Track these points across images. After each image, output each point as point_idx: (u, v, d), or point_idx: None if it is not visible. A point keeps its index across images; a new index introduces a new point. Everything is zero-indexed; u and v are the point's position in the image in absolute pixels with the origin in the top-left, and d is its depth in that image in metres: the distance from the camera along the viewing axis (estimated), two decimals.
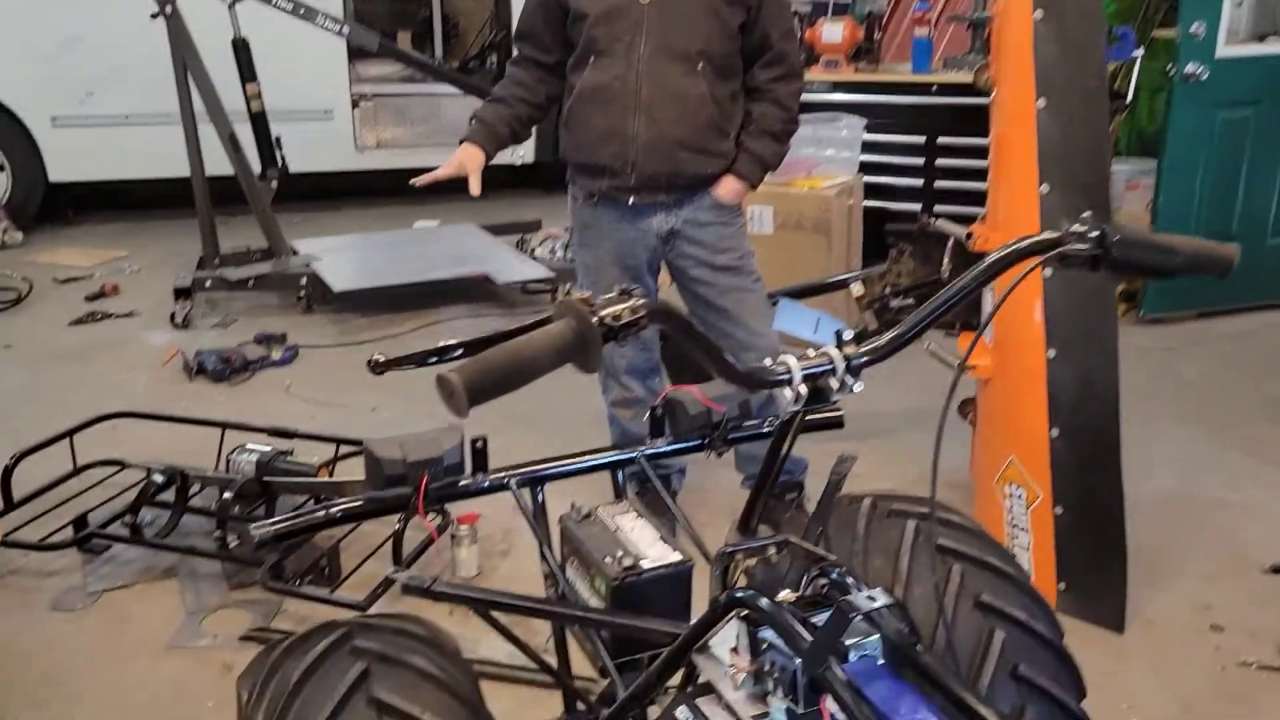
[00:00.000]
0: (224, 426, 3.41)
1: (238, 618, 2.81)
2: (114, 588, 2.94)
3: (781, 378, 1.10)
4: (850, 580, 1.24)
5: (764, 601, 1.14)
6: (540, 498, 1.83)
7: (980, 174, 4.69)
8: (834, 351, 1.14)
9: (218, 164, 5.23)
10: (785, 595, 1.28)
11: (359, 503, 1.70)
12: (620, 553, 1.63)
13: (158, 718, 2.47)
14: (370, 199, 7.55)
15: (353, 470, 3.42)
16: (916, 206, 4.93)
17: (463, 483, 1.74)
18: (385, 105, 7.39)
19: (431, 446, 1.71)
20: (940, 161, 4.84)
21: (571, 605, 1.53)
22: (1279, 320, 4.90)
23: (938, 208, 4.89)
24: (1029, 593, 1.69)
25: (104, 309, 5.27)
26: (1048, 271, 2.64)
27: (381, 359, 2.26)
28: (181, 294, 5.08)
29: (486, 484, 1.76)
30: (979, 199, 4.68)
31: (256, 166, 5.33)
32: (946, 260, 2.98)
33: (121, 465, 3.33)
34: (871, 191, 4.90)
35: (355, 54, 6.88)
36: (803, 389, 1.09)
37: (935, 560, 1.70)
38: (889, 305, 3.20)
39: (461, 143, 2.82)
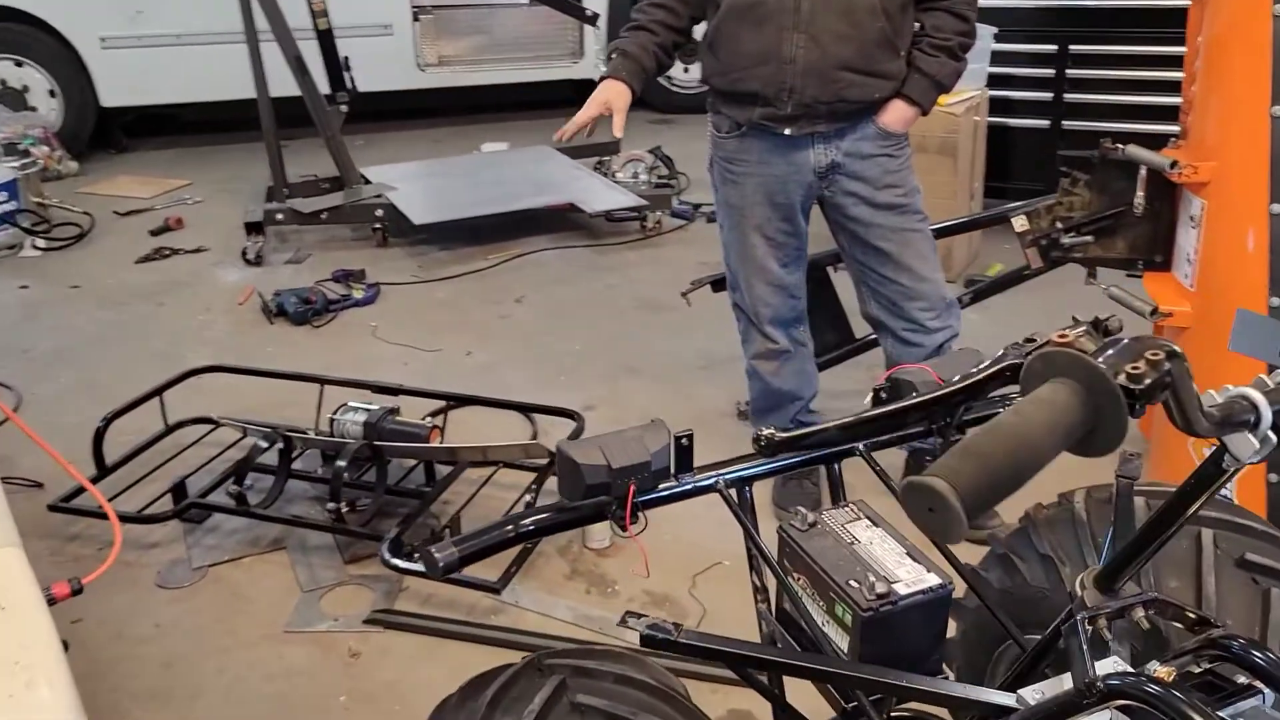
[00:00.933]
0: (323, 382, 3.16)
1: (358, 597, 2.60)
2: (221, 561, 2.73)
3: (1243, 417, 0.78)
4: (1263, 656, 0.96)
5: (1189, 708, 0.86)
6: (750, 497, 1.57)
7: (1120, 85, 4.35)
8: None
9: (278, 86, 4.89)
10: (1162, 671, 1.00)
11: (557, 515, 1.43)
12: (867, 574, 1.36)
13: (284, 714, 2.26)
14: (433, 119, 7.20)
15: (462, 427, 3.18)
16: (1044, 123, 4.52)
17: (667, 487, 1.46)
18: (447, 18, 6.96)
19: (636, 449, 1.43)
20: (1071, 72, 4.41)
21: (861, 668, 1.24)
22: None
23: (1065, 123, 4.50)
24: None
25: (170, 244, 5.00)
26: (1276, 206, 2.29)
27: None
28: (253, 229, 4.81)
29: (691, 486, 1.49)
30: (1117, 113, 4.35)
31: (323, 88, 5.00)
32: (1140, 193, 2.63)
33: (215, 424, 3.10)
34: (993, 107, 4.50)
35: None
36: (1271, 435, 0.78)
37: (1243, 579, 1.41)
38: (1059, 242, 2.86)
39: (603, 80, 2.48)
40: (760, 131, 2.48)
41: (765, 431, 1.43)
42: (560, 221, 5.16)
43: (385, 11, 6.55)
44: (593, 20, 5.70)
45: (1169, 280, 2.67)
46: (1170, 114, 4.06)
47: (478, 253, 4.87)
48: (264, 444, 2.78)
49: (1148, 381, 0.71)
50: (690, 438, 1.46)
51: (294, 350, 3.95)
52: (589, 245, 4.97)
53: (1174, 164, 2.46)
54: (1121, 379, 0.70)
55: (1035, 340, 0.83)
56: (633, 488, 1.41)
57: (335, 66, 4.96)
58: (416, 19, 6.75)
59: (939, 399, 1.32)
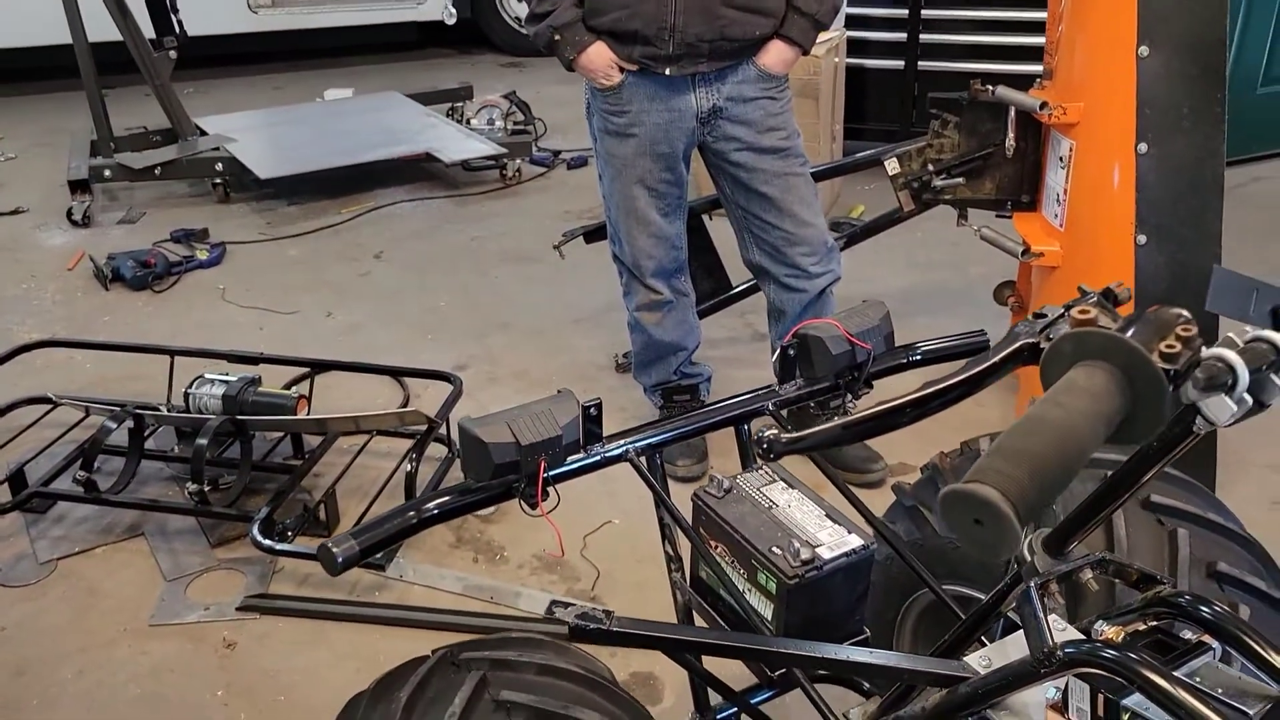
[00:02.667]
0: (172, 353, 2.93)
1: (228, 582, 2.43)
2: (71, 554, 2.51)
3: (1222, 380, 0.74)
4: (1210, 611, 0.95)
5: (1151, 671, 0.84)
6: (660, 464, 1.51)
7: (973, 25, 4.41)
8: (1275, 337, 0.80)
9: (95, 30, 4.48)
10: (1110, 632, 0.99)
11: (460, 498, 1.33)
12: (790, 540, 1.32)
13: (156, 715, 2.10)
14: (269, 64, 6.80)
15: (329, 394, 3.01)
16: (899, 64, 4.56)
17: (576, 460, 1.39)
18: None
19: (545, 423, 1.34)
20: (927, 13, 4.45)
21: (801, 644, 1.20)
22: (1265, 172, 4.76)
23: (921, 64, 4.55)
24: (1259, 553, 1.45)
25: None
26: (1143, 146, 2.34)
27: None
28: (79, 187, 4.43)
29: (600, 458, 1.42)
30: (971, 53, 4.42)
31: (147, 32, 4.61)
32: (1010, 134, 2.65)
33: (53, 403, 2.84)
34: (851, 48, 4.51)
35: None
36: (1247, 397, 0.75)
37: (1150, 521, 1.43)
38: (931, 184, 2.87)
39: (574, 58, 2.39)
40: (641, 76, 2.39)
41: (768, 434, 1.38)
42: (415, 171, 4.95)
43: None
44: None
45: (1038, 220, 2.72)
46: (1025, 54, 4.16)
47: (330, 206, 4.62)
48: (111, 424, 2.56)
49: (1184, 360, 0.67)
50: (599, 407, 1.38)
51: (135, 319, 3.67)
52: (448, 196, 4.79)
53: (1043, 105, 2.49)
54: (1156, 359, 0.66)
55: (1046, 316, 0.78)
56: (543, 464, 1.32)
57: (161, 9, 4.59)
58: None
59: (951, 386, 1.23)
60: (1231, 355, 0.72)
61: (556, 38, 2.38)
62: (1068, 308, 0.77)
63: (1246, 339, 0.76)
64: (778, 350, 1.55)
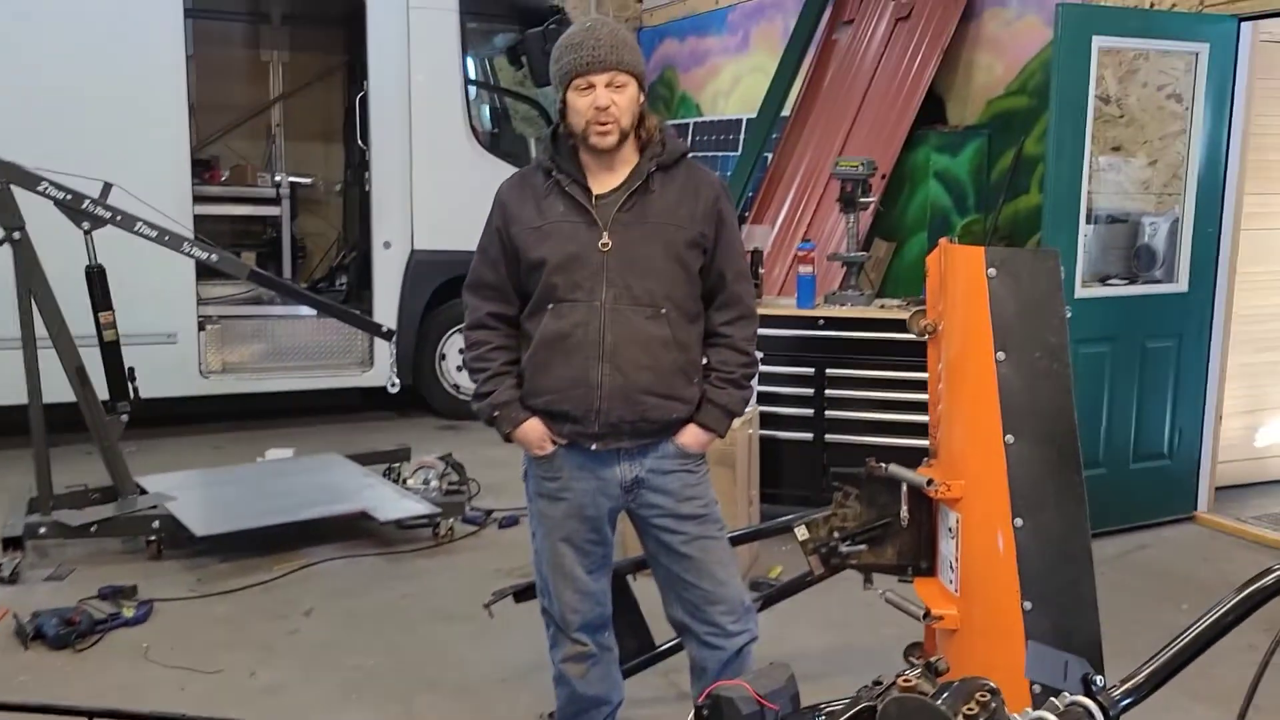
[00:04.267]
0: (89, 715, 2.90)
1: None
2: None
3: None
4: None
5: None
6: None
7: (871, 404, 4.89)
8: (1089, 703, 1.00)
9: (52, 391, 4.73)
10: None
11: None
12: None
13: None
14: (214, 424, 7.08)
15: None
16: (808, 436, 4.98)
17: None
18: (233, 327, 7.04)
19: None
20: (830, 392, 4.94)
21: None
22: (1148, 540, 5.14)
23: (828, 437, 4.97)
24: None
25: None
26: (1019, 520, 2.63)
27: None
28: (11, 544, 4.48)
29: None
30: (871, 428, 4.86)
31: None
32: (904, 506, 2.94)
33: None
34: (764, 421, 4.94)
35: (203, 274, 6.56)
36: None
37: None
38: (837, 550, 3.12)
39: (511, 433, 2.69)
40: (571, 448, 2.66)
41: None
42: (350, 529, 5.09)
43: (171, 321, 6.55)
44: (388, 336, 5.90)
45: (936, 585, 2.95)
46: (920, 430, 4.59)
47: (262, 563, 4.70)
48: None
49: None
50: None
51: (53, 678, 3.62)
52: (381, 553, 4.91)
53: (930, 481, 2.80)
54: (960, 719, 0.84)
55: (882, 683, 0.96)
56: None
57: (120, 377, 4.87)
58: (202, 328, 6.78)
59: None
60: (1051, 717, 0.91)
61: (496, 414, 2.68)
62: (898, 675, 0.96)
63: (1066, 703, 0.95)
64: (692, 712, 1.69)
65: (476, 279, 2.74)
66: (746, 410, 4.60)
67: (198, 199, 6.80)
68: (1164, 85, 5.43)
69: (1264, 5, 4.93)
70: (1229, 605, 1.16)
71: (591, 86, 2.54)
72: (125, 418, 4.85)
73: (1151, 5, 5.37)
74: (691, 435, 2.70)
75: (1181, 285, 5.16)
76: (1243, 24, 5.04)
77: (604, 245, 2.58)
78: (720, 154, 8.02)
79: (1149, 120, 5.45)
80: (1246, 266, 5.36)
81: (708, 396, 2.70)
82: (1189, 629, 1.12)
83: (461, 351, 2.80)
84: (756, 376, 2.81)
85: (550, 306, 2.62)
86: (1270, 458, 5.94)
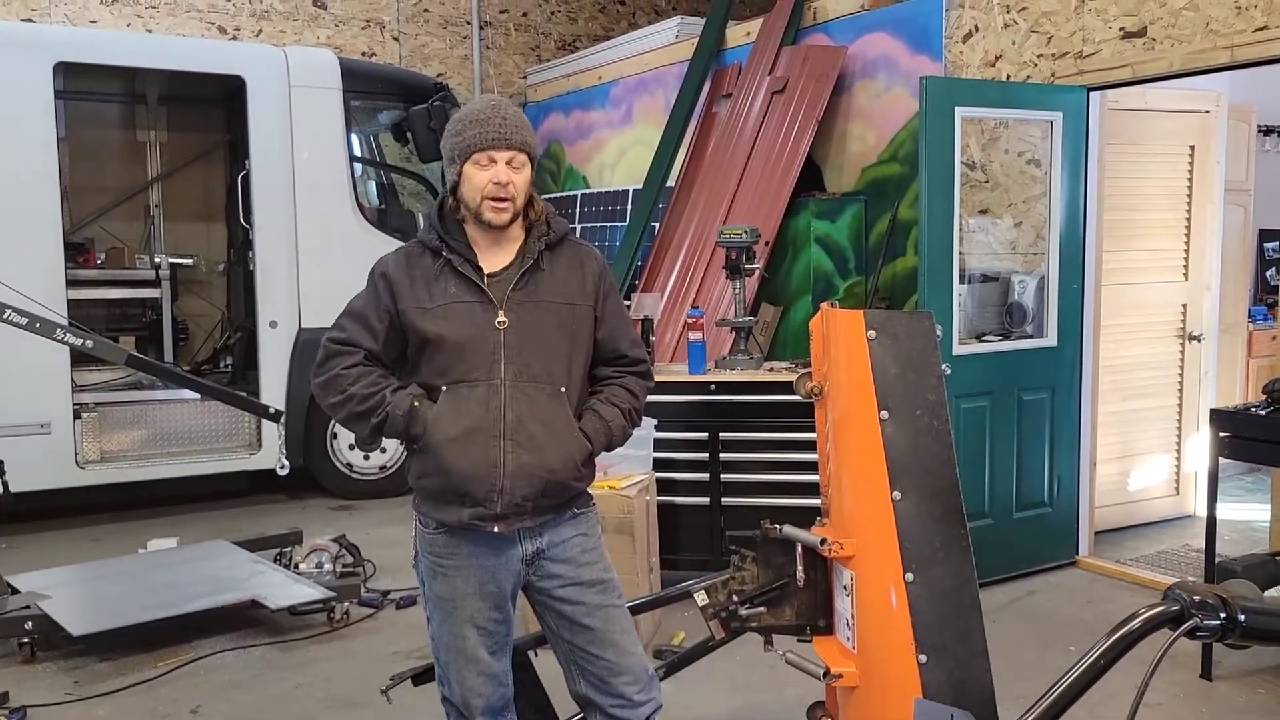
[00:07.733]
0: None
1: None
2: None
3: None
4: None
5: None
6: None
7: (765, 466, 4.96)
8: None
9: None
10: None
11: None
12: None
13: None
14: (92, 516, 6.78)
15: None
16: (704, 500, 5.02)
17: None
18: (111, 414, 6.78)
19: None
20: (725, 455, 5.00)
21: None
22: (1035, 586, 5.30)
23: (724, 500, 5.02)
24: None
25: None
26: (909, 575, 2.70)
27: None
28: None
29: None
30: (765, 490, 4.93)
31: None
32: (799, 566, 2.99)
33: None
34: (660, 488, 4.96)
35: (78, 359, 6.34)
36: None
37: None
38: (737, 613, 3.14)
39: (407, 413, 2.58)
40: (469, 530, 2.63)
41: None
42: (239, 619, 4.91)
43: (43, 410, 6.29)
44: (276, 417, 5.77)
45: (834, 643, 2.99)
46: (814, 489, 4.68)
47: (146, 660, 4.50)
48: None
49: None
50: None
51: None
52: (272, 643, 4.74)
53: (823, 541, 2.85)
54: None
55: None
56: None
57: None
58: (78, 416, 6.53)
59: None
60: None
61: (401, 412, 2.56)
62: None
63: None
64: None
65: (348, 338, 2.62)
66: (641, 476, 4.64)
67: (72, 283, 6.60)
68: (1024, 151, 5.76)
69: (1107, 78, 5.28)
70: (1101, 649, 1.22)
71: (493, 162, 2.57)
72: None
73: (1008, 77, 5.70)
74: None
75: (1051, 339, 5.41)
76: (1091, 93, 5.39)
77: (501, 323, 2.59)
78: (608, 224, 8.14)
79: (1012, 184, 5.75)
80: (1109, 319, 5.66)
81: (591, 406, 2.70)
82: (1065, 675, 1.18)
83: (316, 369, 2.69)
84: (632, 431, 2.83)
85: (445, 388, 2.60)
86: (1143, 500, 6.23)
